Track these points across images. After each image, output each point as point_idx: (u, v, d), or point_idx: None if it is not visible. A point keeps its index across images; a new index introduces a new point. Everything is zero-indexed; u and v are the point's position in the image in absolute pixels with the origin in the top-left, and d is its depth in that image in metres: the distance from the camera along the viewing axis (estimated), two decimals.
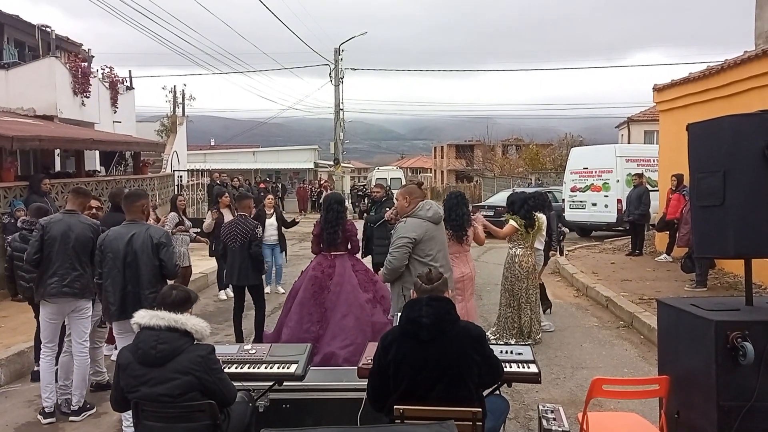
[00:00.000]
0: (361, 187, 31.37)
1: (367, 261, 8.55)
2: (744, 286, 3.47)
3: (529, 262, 7.08)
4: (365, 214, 10.08)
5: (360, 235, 7.24)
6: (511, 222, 7.11)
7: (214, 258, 9.98)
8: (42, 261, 4.92)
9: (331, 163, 33.96)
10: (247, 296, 7.01)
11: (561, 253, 9.03)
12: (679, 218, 10.54)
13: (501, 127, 54.63)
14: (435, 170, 65.28)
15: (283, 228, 10.05)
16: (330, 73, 30.09)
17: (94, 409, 5.16)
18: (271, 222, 9.74)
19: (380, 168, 43.81)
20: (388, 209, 8.84)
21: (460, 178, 50.85)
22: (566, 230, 8.03)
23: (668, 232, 11.68)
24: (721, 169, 3.20)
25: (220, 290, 9.97)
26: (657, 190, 13.65)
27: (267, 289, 9.89)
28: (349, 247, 6.40)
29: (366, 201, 12.70)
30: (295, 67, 31.13)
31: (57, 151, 16.40)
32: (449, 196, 6.79)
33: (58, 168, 16.55)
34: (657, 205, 13.29)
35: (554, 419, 3.49)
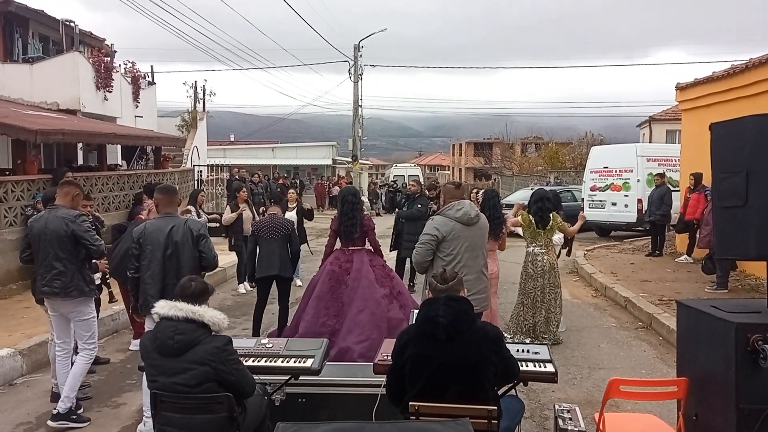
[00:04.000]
0: (393, 183, 31.86)
1: (393, 256, 8.55)
2: (766, 289, 3.42)
3: (545, 260, 7.02)
4: (397, 209, 10.18)
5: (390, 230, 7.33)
6: (516, 216, 7.21)
7: (233, 252, 10.07)
8: (33, 259, 4.88)
9: (349, 159, 34.00)
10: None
11: (568, 254, 8.96)
12: (699, 219, 10.39)
13: (520, 125, 54.21)
14: (453, 168, 65.03)
15: (304, 221, 10.11)
16: (349, 70, 30.12)
17: (84, 425, 4.74)
18: (291, 215, 9.78)
19: (398, 165, 43.78)
20: (420, 205, 9.26)
21: (479, 176, 50.64)
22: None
23: (689, 233, 11.54)
24: (743, 169, 3.15)
25: (239, 284, 10.08)
26: (678, 190, 13.48)
27: (299, 282, 9.88)
28: (368, 243, 6.44)
29: (398, 196, 13.00)
30: (315, 63, 31.20)
31: (80, 145, 16.61)
32: (491, 194, 7.11)
33: (80, 162, 16.77)
34: (678, 205, 13.14)
35: (570, 419, 3.47)
